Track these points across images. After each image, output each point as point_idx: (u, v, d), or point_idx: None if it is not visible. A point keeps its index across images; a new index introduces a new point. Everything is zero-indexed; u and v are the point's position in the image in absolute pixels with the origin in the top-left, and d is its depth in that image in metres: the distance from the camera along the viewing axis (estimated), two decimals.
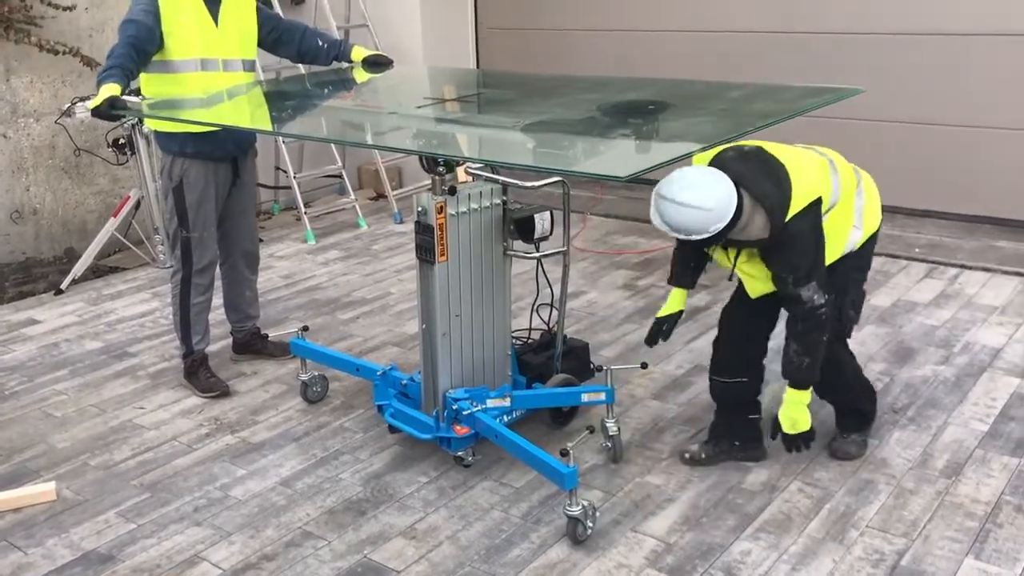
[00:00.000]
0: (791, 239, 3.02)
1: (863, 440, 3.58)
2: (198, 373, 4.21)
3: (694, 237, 2.94)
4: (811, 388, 3.17)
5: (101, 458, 3.69)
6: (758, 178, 2.99)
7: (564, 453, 3.05)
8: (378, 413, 3.76)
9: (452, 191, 3.30)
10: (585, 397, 3.62)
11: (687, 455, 3.52)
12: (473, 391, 3.49)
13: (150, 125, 4.07)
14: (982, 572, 2.89)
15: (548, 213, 3.48)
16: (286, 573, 2.98)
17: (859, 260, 3.37)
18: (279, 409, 4.05)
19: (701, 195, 2.88)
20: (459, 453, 3.47)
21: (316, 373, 4.08)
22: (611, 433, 3.52)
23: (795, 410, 3.16)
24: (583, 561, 2.99)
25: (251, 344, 4.52)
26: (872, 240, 3.39)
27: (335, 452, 3.68)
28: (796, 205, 3.00)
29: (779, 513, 3.21)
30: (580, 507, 3.05)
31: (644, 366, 3.83)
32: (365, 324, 4.98)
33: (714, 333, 3.54)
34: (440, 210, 3.28)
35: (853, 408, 3.58)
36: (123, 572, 3.01)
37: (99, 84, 3.66)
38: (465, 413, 3.39)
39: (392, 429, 3.68)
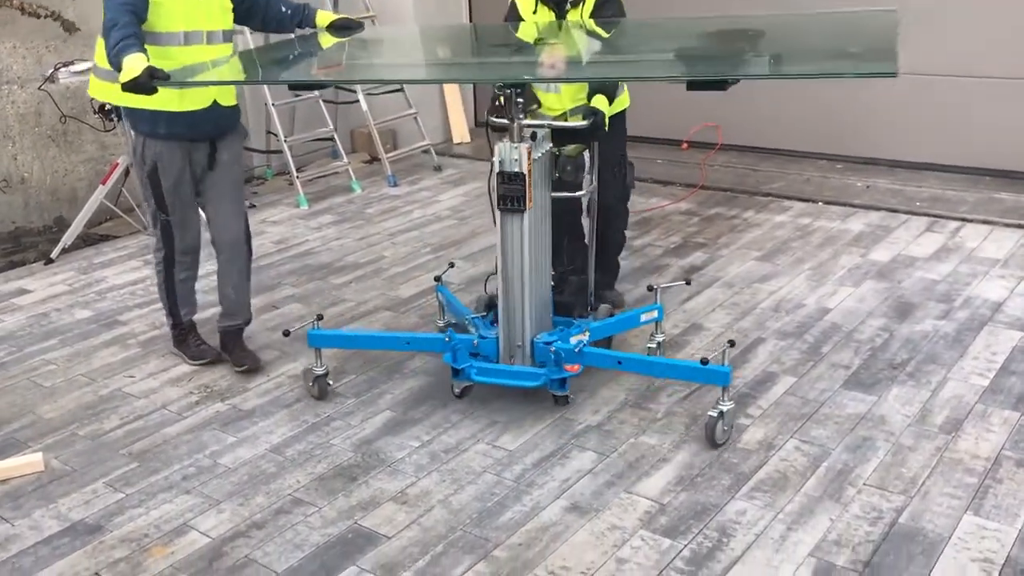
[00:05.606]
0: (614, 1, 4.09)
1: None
2: (187, 340, 4.14)
3: None
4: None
5: (90, 428, 3.65)
6: None
7: (704, 361, 3.31)
8: (453, 377, 3.64)
9: (534, 136, 3.39)
10: (643, 317, 3.89)
11: None
12: (557, 333, 3.64)
13: (124, 102, 3.85)
14: (981, 528, 2.84)
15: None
16: (276, 540, 2.94)
17: (623, 136, 4.21)
18: (270, 376, 4.00)
19: None
20: (566, 393, 3.57)
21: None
22: (658, 342, 3.92)
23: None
24: (576, 523, 2.95)
25: (224, 344, 4.15)
26: (623, 118, 4.18)
27: (326, 418, 3.64)
28: None
29: (775, 472, 3.16)
30: (731, 403, 3.28)
31: (688, 282, 4.49)
32: (358, 288, 4.92)
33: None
34: (528, 156, 3.35)
35: (613, 269, 4.47)
36: (111, 542, 2.97)
37: (118, 56, 3.35)
38: (576, 351, 3.51)
39: (464, 392, 3.66)
